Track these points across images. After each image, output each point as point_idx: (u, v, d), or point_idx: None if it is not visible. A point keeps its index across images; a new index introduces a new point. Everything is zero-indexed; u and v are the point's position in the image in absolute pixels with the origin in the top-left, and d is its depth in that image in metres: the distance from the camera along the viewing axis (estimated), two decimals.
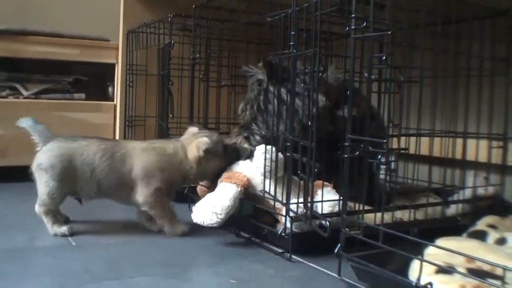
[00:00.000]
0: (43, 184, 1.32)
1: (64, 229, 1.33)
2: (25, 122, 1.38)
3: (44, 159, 1.32)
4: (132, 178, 1.34)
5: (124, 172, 1.34)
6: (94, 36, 2.26)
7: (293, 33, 1.16)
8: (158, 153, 1.37)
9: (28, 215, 1.48)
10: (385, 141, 0.98)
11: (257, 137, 1.46)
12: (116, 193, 1.37)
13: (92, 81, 2.36)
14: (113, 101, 2.25)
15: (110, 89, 2.30)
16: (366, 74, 1.03)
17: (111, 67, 2.25)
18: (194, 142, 1.37)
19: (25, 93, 2.13)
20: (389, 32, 0.94)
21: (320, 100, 1.25)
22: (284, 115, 1.35)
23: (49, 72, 2.25)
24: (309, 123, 1.16)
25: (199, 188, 1.54)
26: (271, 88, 1.42)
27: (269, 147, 1.28)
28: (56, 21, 2.42)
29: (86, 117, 2.19)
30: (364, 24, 0.97)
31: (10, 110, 2.05)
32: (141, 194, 1.34)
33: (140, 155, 1.36)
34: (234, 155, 1.42)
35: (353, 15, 0.99)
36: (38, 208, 1.33)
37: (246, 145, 1.46)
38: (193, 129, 1.45)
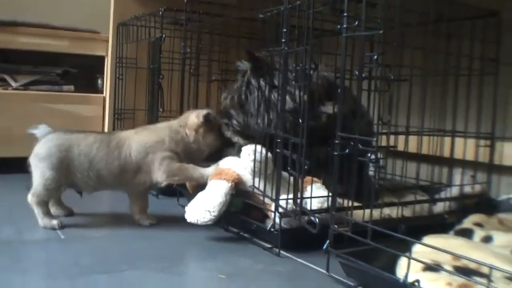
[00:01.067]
0: (39, 174, 1.31)
1: (54, 222, 1.32)
2: (40, 131, 1.36)
3: (42, 149, 1.32)
4: (134, 162, 1.36)
5: (124, 157, 1.35)
6: (84, 28, 2.25)
7: (285, 30, 1.16)
8: (151, 130, 1.42)
9: (16, 207, 1.48)
10: (374, 139, 0.99)
11: (235, 122, 1.47)
12: (118, 181, 1.37)
13: (81, 73, 2.35)
14: (102, 93, 2.24)
15: (99, 81, 2.30)
16: (357, 72, 1.03)
17: (100, 59, 2.24)
18: (195, 112, 1.44)
19: (14, 84, 2.12)
20: (381, 31, 0.94)
21: (297, 95, 1.26)
22: (263, 108, 1.36)
23: (39, 63, 2.24)
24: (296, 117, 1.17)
25: (189, 184, 1.54)
26: (252, 80, 1.43)
27: (255, 147, 1.29)
28: (46, 12, 2.40)
29: (75, 109, 2.18)
30: (356, 23, 0.98)
31: None
32: (156, 171, 1.36)
33: (134, 137, 1.38)
34: (227, 142, 1.47)
35: (345, 14, 0.99)
36: (30, 198, 1.32)
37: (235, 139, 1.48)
38: (192, 110, 1.49)
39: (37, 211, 1.33)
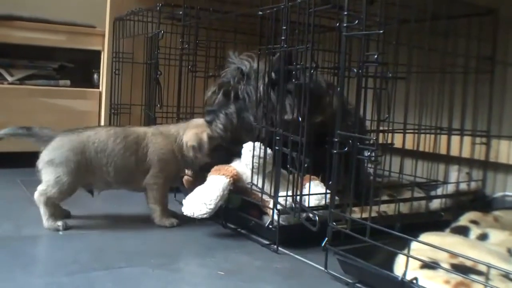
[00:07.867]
0: (54, 179, 1.28)
1: (58, 224, 1.29)
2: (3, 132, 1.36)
3: (57, 155, 1.29)
4: (147, 161, 1.36)
5: (140, 154, 1.36)
6: (80, 22, 2.24)
7: (284, 28, 1.16)
8: (167, 138, 1.40)
9: (13, 202, 1.48)
10: (374, 138, 0.99)
11: (220, 125, 1.42)
12: (131, 177, 1.37)
13: (77, 68, 2.35)
14: (98, 88, 2.23)
15: (95, 76, 2.29)
16: (355, 70, 1.03)
17: (97, 54, 2.23)
18: (195, 131, 1.40)
19: (10, 78, 2.11)
20: (381, 32, 0.95)
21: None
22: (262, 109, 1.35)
23: (35, 58, 2.23)
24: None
25: (185, 179, 1.54)
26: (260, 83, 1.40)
27: (257, 144, 1.29)
28: (42, 6, 2.39)
29: (71, 104, 2.17)
30: (356, 21, 0.98)
31: None
32: (150, 178, 1.37)
33: (153, 140, 1.38)
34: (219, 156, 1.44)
35: (345, 13, 0.99)
36: (38, 197, 1.29)
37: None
38: (198, 121, 1.47)
39: (43, 211, 1.30)
